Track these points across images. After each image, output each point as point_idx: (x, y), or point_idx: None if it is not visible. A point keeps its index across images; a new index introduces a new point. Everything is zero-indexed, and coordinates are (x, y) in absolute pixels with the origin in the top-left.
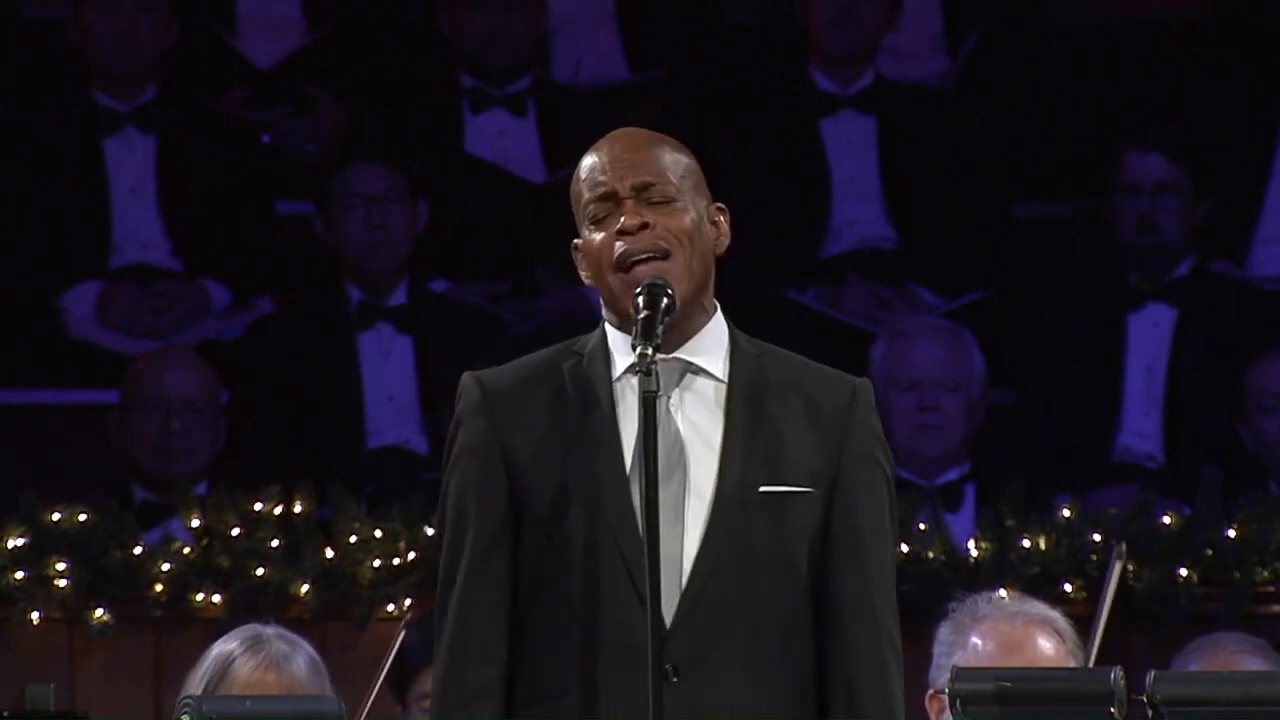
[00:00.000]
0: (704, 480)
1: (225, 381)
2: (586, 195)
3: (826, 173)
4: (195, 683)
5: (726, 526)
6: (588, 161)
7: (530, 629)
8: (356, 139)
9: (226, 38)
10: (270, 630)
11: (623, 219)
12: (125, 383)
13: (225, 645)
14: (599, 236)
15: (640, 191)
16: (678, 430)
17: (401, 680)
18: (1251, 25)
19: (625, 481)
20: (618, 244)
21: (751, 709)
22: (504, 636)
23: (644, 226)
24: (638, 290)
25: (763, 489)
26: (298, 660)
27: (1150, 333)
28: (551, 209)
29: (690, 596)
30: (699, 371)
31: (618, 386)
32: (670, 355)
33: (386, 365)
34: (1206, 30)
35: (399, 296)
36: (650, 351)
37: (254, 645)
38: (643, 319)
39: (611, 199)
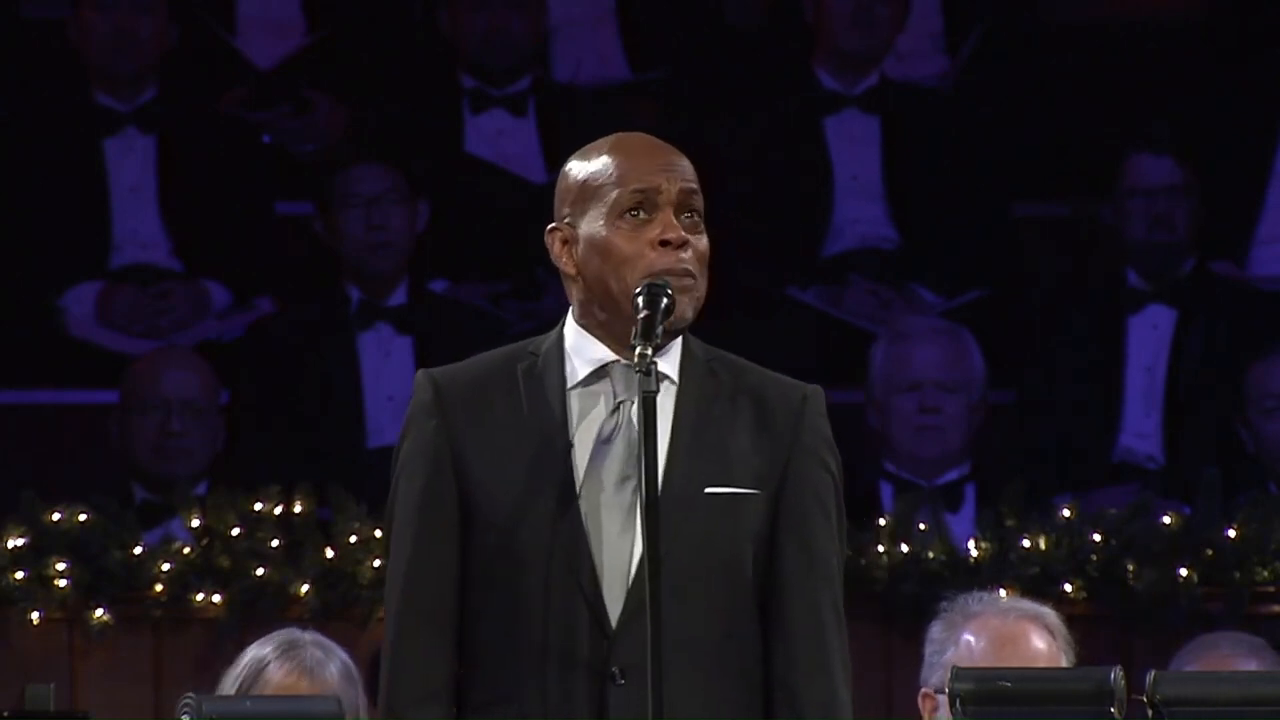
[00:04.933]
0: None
1: (225, 381)
2: (621, 187)
3: (829, 171)
4: (229, 685)
5: (672, 528)
6: (615, 155)
7: (480, 634)
8: (356, 139)
9: (226, 38)
10: (307, 636)
11: (667, 232)
12: (125, 383)
13: (260, 649)
14: (629, 238)
15: (683, 201)
16: (635, 435)
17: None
18: (1251, 25)
19: (573, 489)
20: (658, 255)
21: (697, 711)
22: (451, 640)
23: (684, 245)
24: (637, 290)
25: (708, 490)
26: (330, 668)
27: (1150, 333)
28: (551, 209)
29: (634, 599)
30: (658, 376)
31: (572, 394)
32: (629, 362)
33: (386, 365)
34: (1206, 30)
35: (399, 297)
36: (650, 352)
37: (288, 650)
38: (643, 319)
39: (652, 199)
